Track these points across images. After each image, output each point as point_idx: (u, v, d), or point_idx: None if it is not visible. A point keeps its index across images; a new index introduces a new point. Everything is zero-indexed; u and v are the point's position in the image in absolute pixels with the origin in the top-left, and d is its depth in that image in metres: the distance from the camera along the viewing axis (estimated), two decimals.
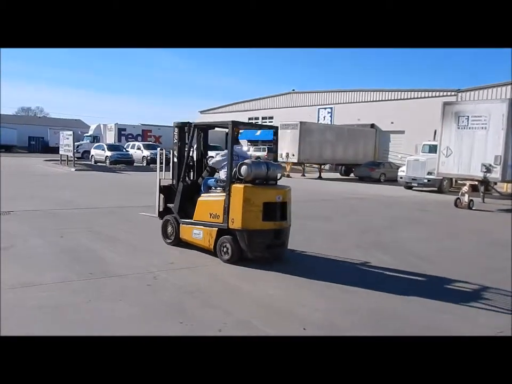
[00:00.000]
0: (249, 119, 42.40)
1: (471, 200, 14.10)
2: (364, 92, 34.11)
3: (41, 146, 50.26)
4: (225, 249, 5.83)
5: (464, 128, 14.56)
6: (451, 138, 14.93)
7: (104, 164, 26.17)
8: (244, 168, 5.71)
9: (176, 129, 6.91)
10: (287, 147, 25.87)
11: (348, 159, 28.44)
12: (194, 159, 7.01)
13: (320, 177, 26.78)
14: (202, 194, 6.31)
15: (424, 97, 30.41)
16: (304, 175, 27.23)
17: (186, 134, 6.78)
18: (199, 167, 6.98)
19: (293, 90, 39.60)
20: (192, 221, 6.25)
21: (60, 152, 25.63)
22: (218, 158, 6.47)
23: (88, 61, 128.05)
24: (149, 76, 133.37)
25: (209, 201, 6.08)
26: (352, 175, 29.47)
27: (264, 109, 41.53)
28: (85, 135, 37.96)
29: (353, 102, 34.50)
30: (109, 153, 26.58)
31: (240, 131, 7.06)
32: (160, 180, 7.03)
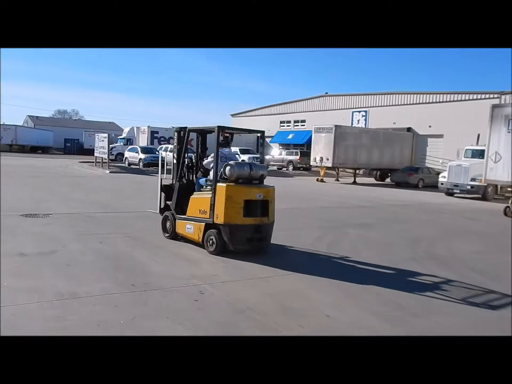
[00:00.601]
0: (281, 122, 42.08)
1: None
2: (399, 95, 33.09)
3: (76, 148, 51.39)
4: (211, 241, 6.37)
5: None
6: (500, 143, 14.06)
7: (138, 166, 26.31)
8: (228, 169, 6.25)
9: (176, 134, 7.45)
10: (321, 151, 25.29)
11: (383, 164, 27.56)
12: (193, 161, 7.59)
13: (354, 182, 26.03)
14: (194, 193, 6.89)
15: (465, 100, 29.21)
16: (338, 180, 26.56)
17: (183, 137, 7.26)
18: (197, 168, 7.49)
19: (326, 93, 38.91)
20: (185, 216, 6.84)
21: (95, 154, 25.94)
22: (209, 159, 6.88)
23: (121, 64, 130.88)
24: (181, 79, 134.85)
25: (199, 199, 6.66)
26: (387, 180, 28.59)
27: (296, 112, 40.98)
28: (118, 137, 38.44)
29: (389, 105, 33.53)
30: (142, 156, 26.69)
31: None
32: (161, 179, 7.61)
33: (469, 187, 18.98)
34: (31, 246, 6.18)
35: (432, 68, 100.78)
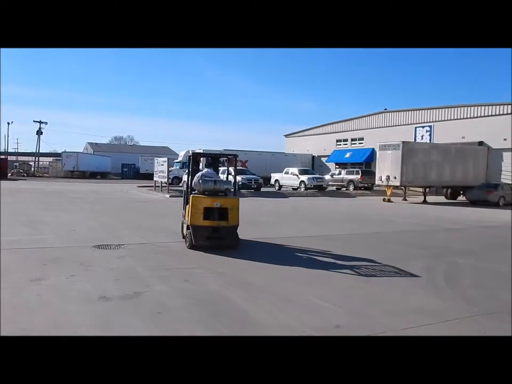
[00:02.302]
0: (337, 141, 40.76)
1: None
2: (467, 107, 30.83)
3: (133, 172, 52.54)
4: (186, 238, 8.26)
5: None
6: None
7: None
8: (196, 184, 8.21)
9: (189, 158, 9.22)
10: (388, 169, 23.73)
11: (455, 181, 25.43)
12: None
13: (425, 202, 24.12)
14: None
15: None
16: (405, 199, 24.74)
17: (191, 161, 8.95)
18: None
19: (385, 109, 37.23)
20: (184, 220, 8.77)
21: (155, 179, 25.85)
22: (195, 179, 8.34)
23: (173, 91, 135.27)
24: (231, 104, 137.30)
25: (187, 207, 8.33)
26: (459, 198, 26.41)
27: (353, 130, 39.53)
28: (174, 161, 38.60)
29: (456, 119, 31.30)
30: None
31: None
32: (185, 194, 9.09)
33: None
34: (112, 286, 5.37)
35: (496, 78, 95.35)
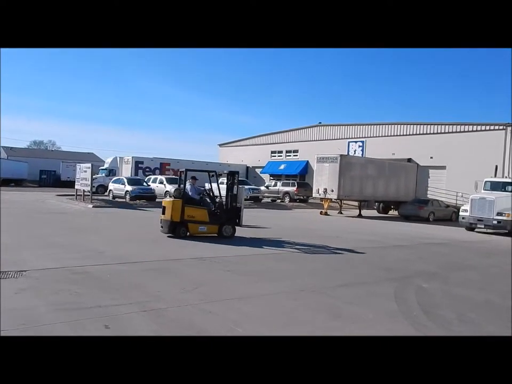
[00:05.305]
0: (272, 152, 40.40)
1: None
2: (398, 125, 31.87)
3: (53, 180, 48.23)
4: None
5: None
6: None
7: (124, 200, 23.65)
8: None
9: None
10: (325, 182, 23.38)
11: (389, 196, 25.81)
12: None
13: (360, 215, 24.11)
14: None
15: (468, 131, 28.12)
16: (341, 213, 24.59)
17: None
18: None
19: (320, 123, 37.51)
20: None
21: (76, 187, 23.25)
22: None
23: (102, 96, 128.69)
24: (162, 111, 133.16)
25: None
26: (390, 212, 26.87)
27: (288, 142, 39.37)
28: (100, 168, 35.74)
29: (387, 136, 32.22)
30: (129, 188, 23.91)
31: None
32: None
33: (495, 222, 17.36)
34: None
35: (432, 97, 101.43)
